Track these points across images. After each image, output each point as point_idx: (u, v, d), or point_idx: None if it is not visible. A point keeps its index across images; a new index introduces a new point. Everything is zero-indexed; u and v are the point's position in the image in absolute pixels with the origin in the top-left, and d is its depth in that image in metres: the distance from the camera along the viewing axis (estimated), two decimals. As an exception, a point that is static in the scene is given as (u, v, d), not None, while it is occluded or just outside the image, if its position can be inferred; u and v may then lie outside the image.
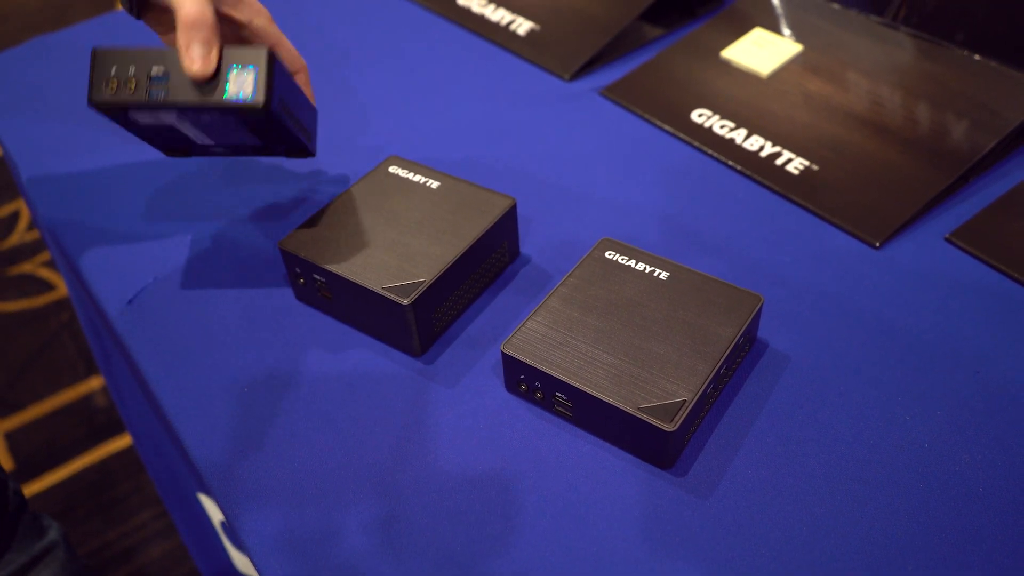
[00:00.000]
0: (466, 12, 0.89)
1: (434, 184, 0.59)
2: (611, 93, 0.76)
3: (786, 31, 0.77)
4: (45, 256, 1.79)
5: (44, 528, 0.75)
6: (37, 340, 1.61)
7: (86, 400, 1.49)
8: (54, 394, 1.50)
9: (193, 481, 0.80)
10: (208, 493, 0.56)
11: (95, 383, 1.52)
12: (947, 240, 0.60)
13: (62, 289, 1.71)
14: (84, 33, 0.91)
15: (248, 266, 0.61)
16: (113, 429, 1.44)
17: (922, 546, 0.42)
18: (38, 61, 0.87)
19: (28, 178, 0.73)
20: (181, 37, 0.47)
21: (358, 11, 0.91)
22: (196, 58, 0.47)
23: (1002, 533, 0.43)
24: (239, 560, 0.77)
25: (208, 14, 0.48)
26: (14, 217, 1.90)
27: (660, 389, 0.46)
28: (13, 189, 1.96)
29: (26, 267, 1.76)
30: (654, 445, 0.46)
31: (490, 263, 0.57)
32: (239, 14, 0.53)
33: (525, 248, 0.61)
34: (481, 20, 0.87)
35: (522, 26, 0.85)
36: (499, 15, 0.87)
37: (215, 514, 0.81)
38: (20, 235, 1.85)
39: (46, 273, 1.75)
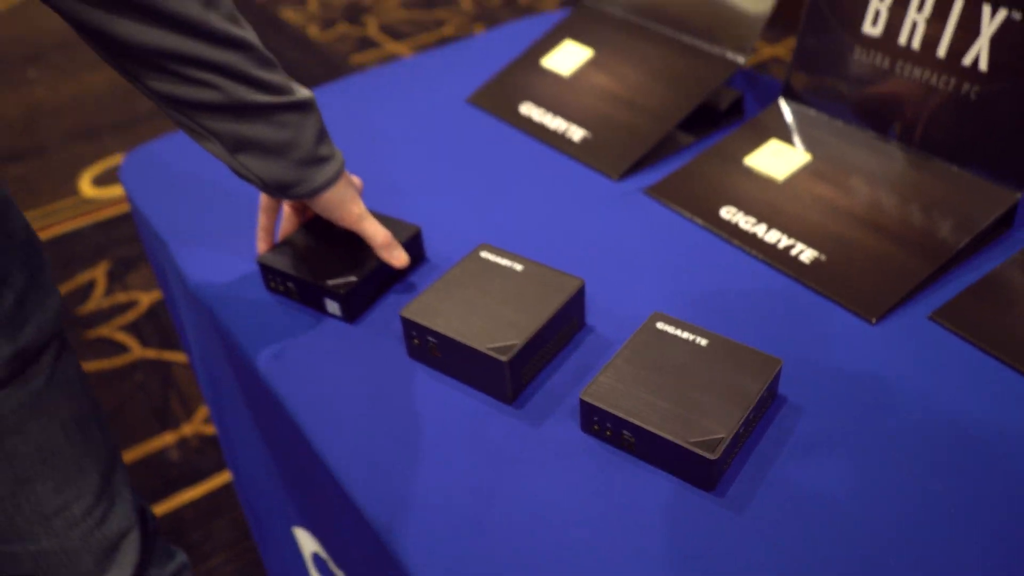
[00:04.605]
0: (527, 120, 1.06)
1: (518, 267, 0.74)
2: (653, 192, 0.92)
3: (798, 143, 0.93)
4: (121, 320, 1.95)
5: (173, 552, 0.88)
6: (113, 398, 1.76)
7: (160, 454, 1.63)
8: (128, 448, 1.64)
9: (291, 515, 0.94)
10: (355, 504, 0.70)
11: (168, 438, 1.66)
12: (930, 318, 0.74)
13: (136, 351, 1.87)
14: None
15: (368, 331, 0.76)
16: (185, 481, 1.58)
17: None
18: (172, 153, 1.04)
19: (173, 243, 0.89)
20: (383, 251, 0.78)
21: (435, 119, 1.08)
22: (401, 257, 0.78)
23: None
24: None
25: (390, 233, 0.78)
26: (90, 285, 2.07)
27: (704, 428, 0.60)
28: (85, 259, 2.14)
29: (103, 331, 1.93)
30: (700, 471, 0.60)
31: (564, 330, 0.72)
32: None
33: (589, 320, 0.76)
34: (541, 127, 1.04)
35: (576, 133, 1.01)
36: (556, 123, 1.04)
37: (308, 546, 0.94)
38: (97, 301, 2.02)
39: (122, 336, 1.91)
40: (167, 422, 1.70)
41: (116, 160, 2.60)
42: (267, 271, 0.80)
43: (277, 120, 0.68)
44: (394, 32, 3.26)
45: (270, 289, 0.82)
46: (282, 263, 0.79)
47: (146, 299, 2.03)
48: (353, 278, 0.77)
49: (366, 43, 3.19)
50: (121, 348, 1.88)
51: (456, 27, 3.25)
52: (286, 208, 0.83)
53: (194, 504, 1.55)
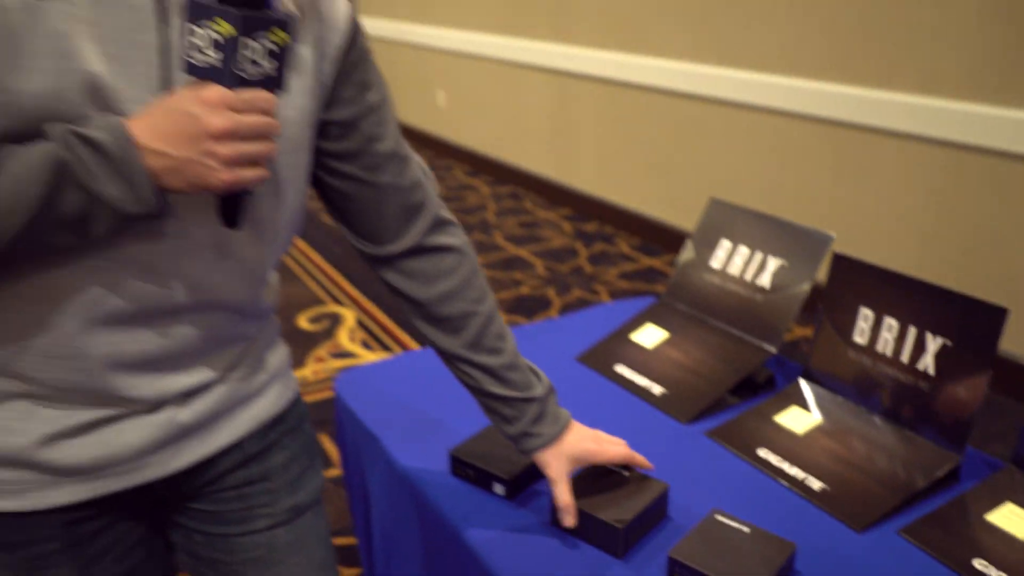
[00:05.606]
0: (621, 376, 1.50)
1: (626, 473, 1.15)
2: (712, 434, 1.33)
3: (813, 409, 1.35)
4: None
5: None
6: None
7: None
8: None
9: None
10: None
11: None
12: (898, 533, 1.12)
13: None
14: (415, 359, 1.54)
15: (521, 505, 1.16)
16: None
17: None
18: (379, 374, 1.49)
19: (383, 437, 1.30)
20: (560, 511, 1.06)
21: (555, 371, 1.52)
22: (569, 521, 1.06)
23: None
24: None
25: (573, 502, 1.06)
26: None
27: (744, 567, 0.97)
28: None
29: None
30: (744, 604, 0.96)
31: (654, 515, 1.11)
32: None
33: (670, 511, 1.15)
34: (631, 383, 1.48)
35: (656, 389, 1.45)
36: (642, 381, 1.47)
37: None
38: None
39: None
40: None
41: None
42: (455, 461, 1.21)
43: (512, 405, 1.08)
44: (477, 287, 3.83)
45: (454, 474, 1.22)
46: (466, 455, 1.21)
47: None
48: (515, 470, 1.17)
49: (453, 295, 3.75)
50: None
51: (531, 288, 3.81)
52: None
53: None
